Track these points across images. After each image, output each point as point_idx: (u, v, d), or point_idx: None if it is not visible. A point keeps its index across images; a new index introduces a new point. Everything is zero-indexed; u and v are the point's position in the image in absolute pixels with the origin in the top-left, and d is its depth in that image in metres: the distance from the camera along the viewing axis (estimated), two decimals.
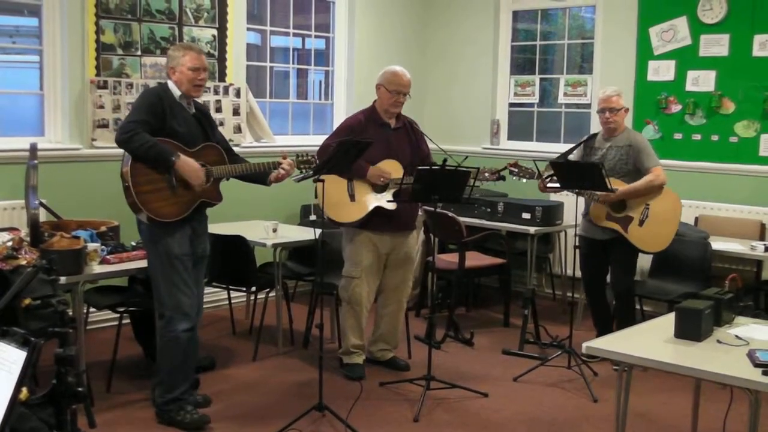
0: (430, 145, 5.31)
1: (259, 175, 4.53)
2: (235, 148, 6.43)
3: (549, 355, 5.39)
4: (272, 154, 6.45)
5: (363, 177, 4.94)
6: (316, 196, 4.95)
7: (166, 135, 4.16)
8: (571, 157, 5.53)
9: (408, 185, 4.84)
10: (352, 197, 4.97)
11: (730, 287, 3.73)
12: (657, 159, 5.34)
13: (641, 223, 5.26)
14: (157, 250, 4.26)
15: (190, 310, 4.31)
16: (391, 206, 4.94)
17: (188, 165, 4.19)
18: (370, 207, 4.95)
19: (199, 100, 6.39)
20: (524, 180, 5.44)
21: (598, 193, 5.17)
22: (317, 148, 4.95)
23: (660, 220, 5.26)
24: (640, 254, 5.46)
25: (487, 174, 5.01)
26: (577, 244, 5.47)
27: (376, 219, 4.97)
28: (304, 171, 4.60)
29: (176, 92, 4.28)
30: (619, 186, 5.23)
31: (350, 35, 7.57)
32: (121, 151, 4.25)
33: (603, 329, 5.37)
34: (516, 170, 5.44)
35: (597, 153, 5.41)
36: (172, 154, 4.14)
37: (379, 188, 4.99)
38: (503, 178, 5.10)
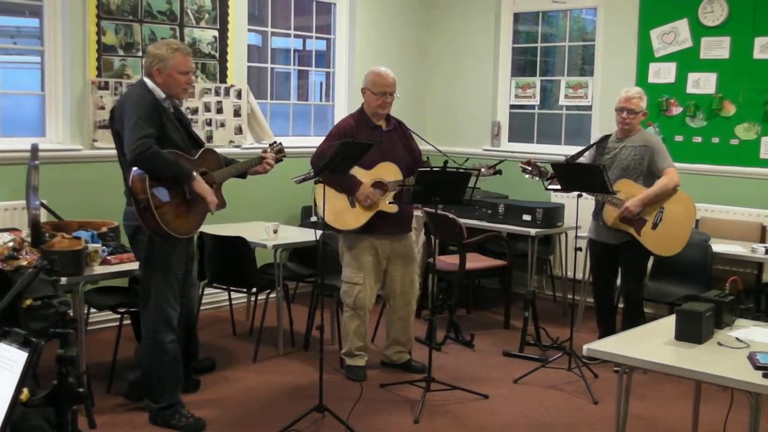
0: (423, 145, 5.30)
1: (245, 171, 4.54)
2: (237, 150, 6.50)
3: (549, 357, 5.39)
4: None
5: (353, 195, 4.94)
6: (315, 205, 4.95)
7: (165, 144, 4.05)
8: (584, 157, 5.51)
9: (409, 187, 4.84)
10: (352, 203, 4.97)
11: (731, 290, 3.72)
12: (671, 160, 5.30)
13: (655, 226, 5.20)
14: (156, 264, 4.20)
15: (175, 323, 4.30)
16: (393, 209, 4.94)
17: (203, 186, 4.12)
18: (373, 211, 4.95)
19: (200, 103, 6.40)
20: (537, 179, 5.39)
21: (620, 207, 5.15)
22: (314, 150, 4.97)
23: (674, 222, 5.19)
24: (649, 258, 5.45)
25: (483, 170, 4.98)
26: (578, 246, 5.43)
27: (376, 223, 4.97)
28: (281, 159, 4.65)
29: (160, 94, 4.15)
30: (631, 188, 5.20)
31: (351, 37, 7.58)
32: None
33: (606, 330, 5.37)
34: (530, 168, 5.41)
35: (610, 153, 5.37)
36: (190, 171, 4.07)
37: (378, 192, 4.97)
38: (500, 172, 5.07)
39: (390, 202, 4.94)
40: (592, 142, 5.87)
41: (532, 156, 6.43)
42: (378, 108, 5.03)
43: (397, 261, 5.16)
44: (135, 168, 3.96)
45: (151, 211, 3.96)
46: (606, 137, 5.49)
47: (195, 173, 4.10)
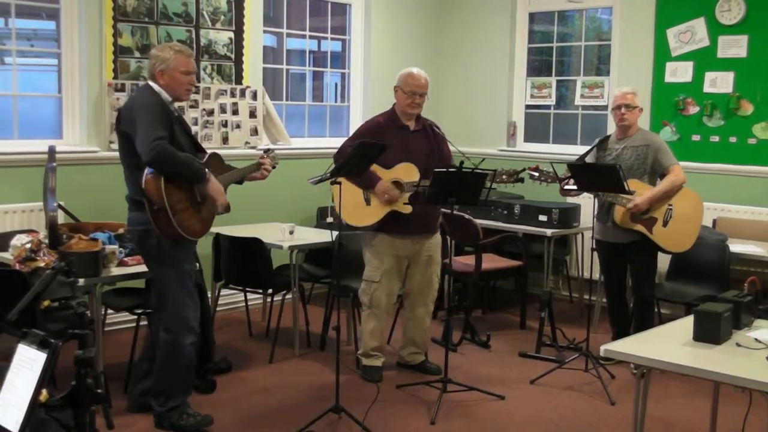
0: (450, 148, 5.29)
1: (244, 177, 4.55)
2: (252, 151, 6.51)
3: (566, 358, 5.37)
4: (288, 156, 6.48)
5: (371, 190, 4.94)
6: (333, 201, 4.96)
7: (174, 147, 4.01)
8: (587, 160, 5.50)
9: (425, 187, 4.84)
10: (367, 201, 4.97)
11: (749, 290, 3.69)
12: (675, 157, 5.32)
13: (665, 223, 5.21)
14: (169, 266, 4.17)
15: (195, 324, 4.29)
16: (407, 210, 4.93)
17: (215, 185, 4.11)
18: (385, 211, 4.95)
19: (215, 104, 6.43)
20: (545, 184, 5.41)
21: (627, 204, 5.13)
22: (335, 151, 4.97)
23: (683, 219, 5.22)
24: (658, 256, 5.43)
25: (504, 176, 4.98)
26: (594, 246, 5.42)
27: (395, 222, 4.96)
28: (274, 166, 4.64)
29: (166, 97, 4.13)
30: (639, 187, 5.18)
31: (366, 38, 7.58)
32: None
33: (620, 331, 5.35)
34: (536, 174, 5.41)
35: (611, 154, 5.37)
36: (204, 172, 4.05)
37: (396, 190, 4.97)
38: (521, 180, 5.07)
39: (405, 203, 4.93)
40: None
41: (548, 156, 6.43)
42: (407, 107, 5.03)
43: (418, 261, 5.14)
44: (147, 169, 3.94)
45: (166, 212, 3.92)
46: (606, 138, 5.50)
47: (208, 173, 4.10)
